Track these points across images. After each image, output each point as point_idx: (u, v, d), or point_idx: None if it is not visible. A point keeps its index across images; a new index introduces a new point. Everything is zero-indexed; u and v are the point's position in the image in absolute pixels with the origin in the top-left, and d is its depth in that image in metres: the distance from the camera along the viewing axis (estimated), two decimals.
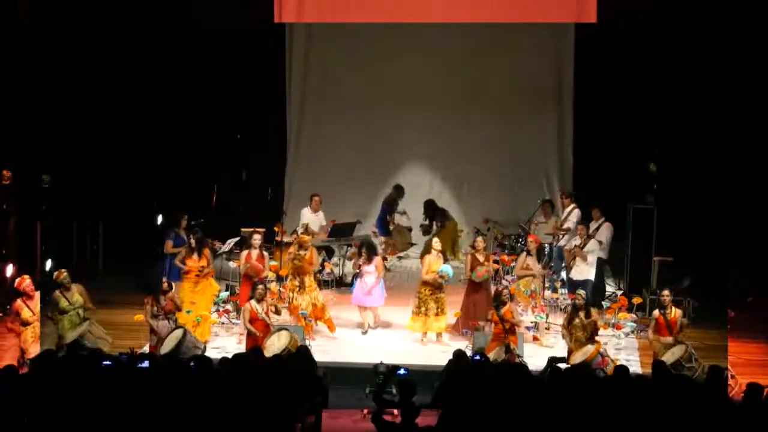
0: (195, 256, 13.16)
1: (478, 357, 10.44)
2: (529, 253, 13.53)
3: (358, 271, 13.74)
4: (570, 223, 15.14)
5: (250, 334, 12.19)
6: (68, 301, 11.80)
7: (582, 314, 11.93)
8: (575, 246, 14.01)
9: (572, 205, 15.42)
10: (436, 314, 13.04)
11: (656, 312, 12.04)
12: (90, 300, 12.04)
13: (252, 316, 12.20)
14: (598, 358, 11.40)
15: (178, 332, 11.70)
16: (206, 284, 13.27)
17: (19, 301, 11.73)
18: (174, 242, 13.96)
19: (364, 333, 13.53)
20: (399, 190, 16.69)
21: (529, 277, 13.45)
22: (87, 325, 11.76)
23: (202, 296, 13.16)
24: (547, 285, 14.25)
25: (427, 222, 16.56)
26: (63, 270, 12.00)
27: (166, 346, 11.51)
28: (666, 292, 12.05)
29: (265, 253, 13.70)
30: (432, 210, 16.53)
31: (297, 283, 13.25)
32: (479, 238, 13.74)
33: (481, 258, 13.34)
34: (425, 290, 13.07)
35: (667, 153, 16.12)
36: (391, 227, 16.55)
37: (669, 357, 11.35)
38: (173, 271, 13.63)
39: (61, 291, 11.85)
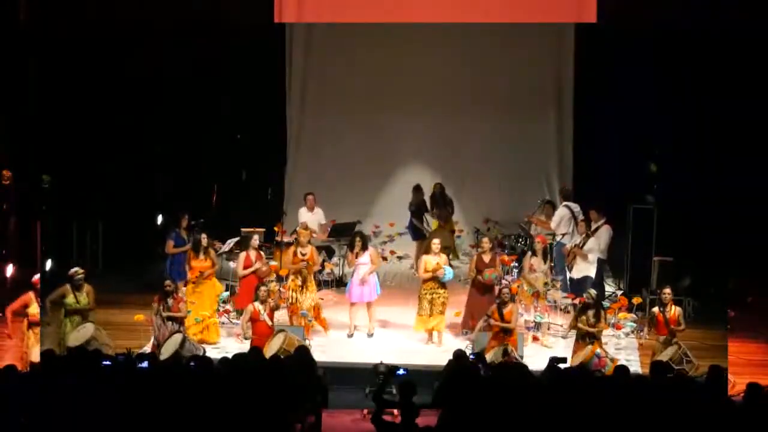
0: (201, 256, 13.18)
1: (473, 357, 10.47)
2: (534, 254, 13.49)
3: (353, 264, 13.35)
4: (553, 223, 15.13)
5: (255, 335, 12.18)
6: (76, 299, 11.80)
7: (591, 313, 11.94)
8: (575, 245, 14.00)
9: (563, 203, 15.46)
10: (441, 312, 12.98)
11: (656, 309, 12.07)
12: (94, 301, 12.02)
13: (254, 316, 12.22)
14: (594, 360, 11.42)
15: (177, 337, 11.69)
16: (209, 285, 13.27)
17: (31, 294, 11.61)
18: (175, 242, 13.96)
19: (350, 336, 13.37)
20: (419, 192, 16.49)
21: (533, 276, 13.41)
22: (94, 330, 11.68)
23: (203, 297, 13.13)
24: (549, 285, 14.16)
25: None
26: (79, 269, 12.01)
27: (166, 352, 11.48)
28: (667, 290, 12.06)
29: (262, 253, 13.68)
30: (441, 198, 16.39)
31: (299, 283, 13.22)
32: (485, 239, 13.64)
33: (487, 259, 13.30)
34: (425, 290, 13.05)
35: (667, 153, 16.12)
36: (431, 229, 16.19)
37: (661, 357, 11.40)
38: (174, 271, 13.65)
39: (72, 287, 11.86)
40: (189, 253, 13.28)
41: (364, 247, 13.32)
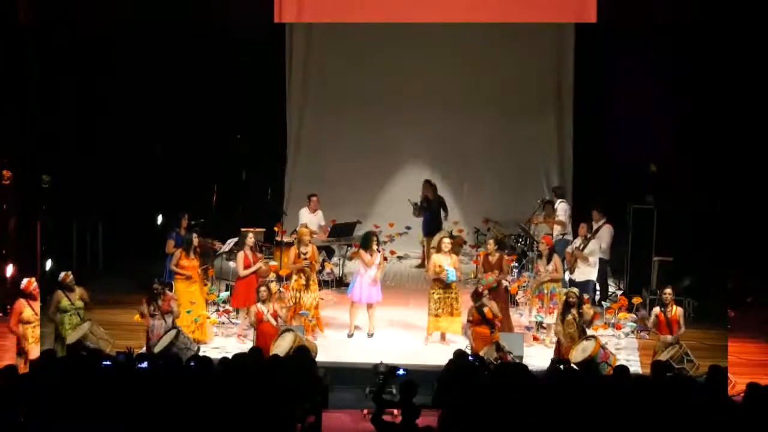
0: (192, 256, 13.19)
1: (471, 358, 10.47)
2: (540, 256, 13.43)
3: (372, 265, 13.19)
4: (563, 217, 15.09)
5: (259, 336, 12.18)
6: (70, 300, 11.84)
7: (574, 311, 11.95)
8: (575, 247, 13.98)
9: (559, 200, 15.45)
10: (450, 313, 12.89)
11: (657, 309, 12.06)
12: (89, 298, 12.05)
13: (258, 317, 12.23)
14: (600, 352, 11.46)
15: (172, 332, 11.79)
16: (200, 284, 13.31)
17: (22, 300, 11.65)
18: (176, 242, 13.97)
19: (350, 336, 13.35)
20: (432, 187, 16.42)
21: (544, 277, 13.30)
22: (89, 326, 11.75)
23: (198, 296, 13.16)
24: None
25: (419, 203, 16.31)
26: (69, 273, 12.02)
27: (160, 345, 11.60)
28: (668, 290, 12.05)
29: (258, 254, 13.68)
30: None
31: (303, 282, 13.20)
32: (491, 241, 13.49)
33: (493, 260, 13.21)
34: (433, 290, 13.00)
35: (667, 153, 16.11)
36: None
37: (662, 356, 11.42)
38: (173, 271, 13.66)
39: (64, 291, 11.88)
40: (180, 253, 13.27)
41: (378, 249, 13.25)
